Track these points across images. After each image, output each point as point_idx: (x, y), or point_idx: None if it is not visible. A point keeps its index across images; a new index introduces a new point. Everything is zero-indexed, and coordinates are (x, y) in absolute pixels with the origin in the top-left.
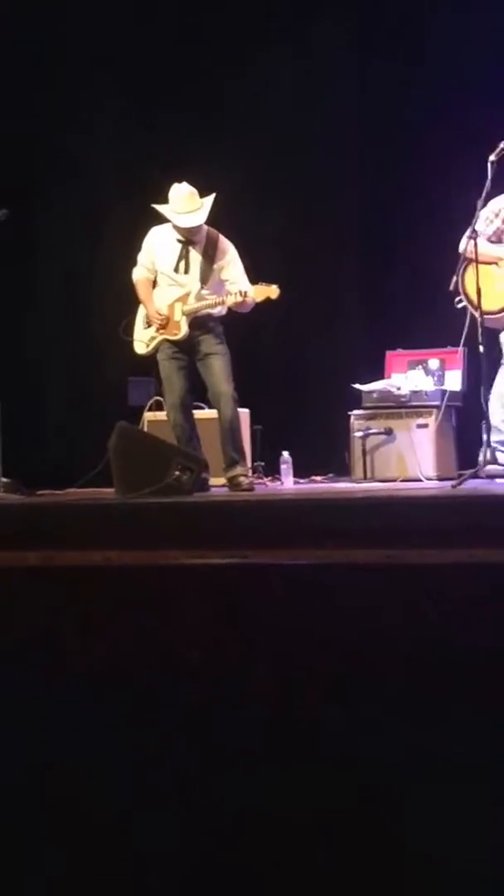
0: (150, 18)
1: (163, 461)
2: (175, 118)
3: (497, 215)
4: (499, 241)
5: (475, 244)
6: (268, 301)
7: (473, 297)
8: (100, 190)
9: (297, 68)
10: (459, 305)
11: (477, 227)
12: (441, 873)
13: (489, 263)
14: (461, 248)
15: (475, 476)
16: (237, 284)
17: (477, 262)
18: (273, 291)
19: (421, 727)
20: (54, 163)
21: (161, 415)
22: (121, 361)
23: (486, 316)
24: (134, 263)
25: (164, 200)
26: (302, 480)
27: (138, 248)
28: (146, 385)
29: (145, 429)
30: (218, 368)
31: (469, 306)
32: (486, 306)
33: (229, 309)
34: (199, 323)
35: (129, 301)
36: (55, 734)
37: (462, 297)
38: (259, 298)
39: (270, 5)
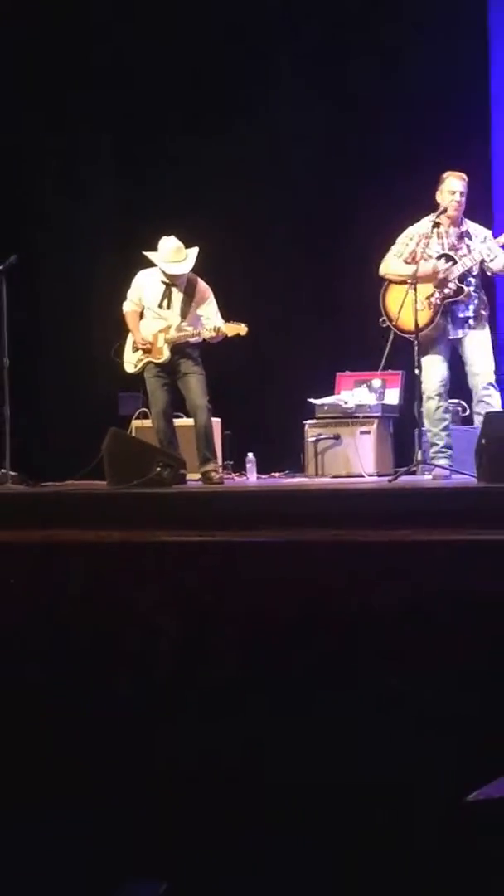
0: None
1: (147, 459)
2: (158, 177)
3: (412, 239)
4: (415, 263)
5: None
6: (237, 337)
7: (392, 315)
8: (96, 238)
9: (260, 132)
10: (384, 325)
11: (394, 250)
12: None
13: (405, 283)
14: (380, 271)
15: (408, 473)
16: (211, 321)
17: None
18: (242, 329)
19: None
20: (58, 213)
21: (147, 422)
22: (113, 378)
23: (402, 333)
24: (124, 298)
25: (151, 247)
26: (264, 476)
27: (128, 286)
28: (134, 398)
29: (133, 433)
30: (195, 385)
31: (389, 324)
32: (402, 325)
33: (204, 339)
34: (178, 349)
35: (118, 329)
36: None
37: (384, 315)
38: (230, 334)
39: (233, 72)
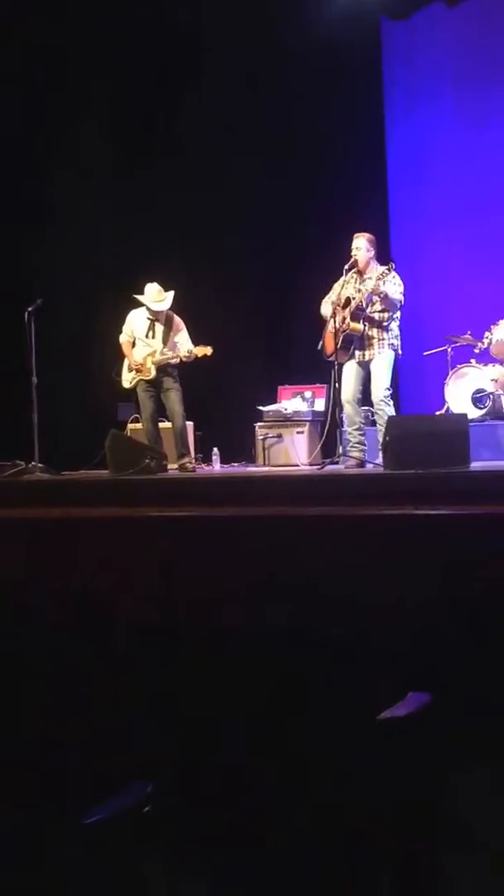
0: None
1: (139, 454)
2: (143, 239)
3: (339, 285)
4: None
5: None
6: (204, 356)
7: (326, 345)
8: (97, 284)
9: (223, 206)
10: (319, 348)
11: (330, 295)
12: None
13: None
14: (321, 311)
15: (332, 462)
16: (185, 346)
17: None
18: (208, 350)
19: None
20: (70, 270)
21: (138, 426)
22: (113, 392)
23: (326, 358)
24: (120, 331)
25: (138, 291)
26: (225, 465)
27: (122, 323)
28: (129, 407)
29: (128, 434)
30: (174, 398)
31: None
32: (327, 351)
33: (181, 360)
34: (162, 369)
35: (116, 355)
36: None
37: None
38: (199, 355)
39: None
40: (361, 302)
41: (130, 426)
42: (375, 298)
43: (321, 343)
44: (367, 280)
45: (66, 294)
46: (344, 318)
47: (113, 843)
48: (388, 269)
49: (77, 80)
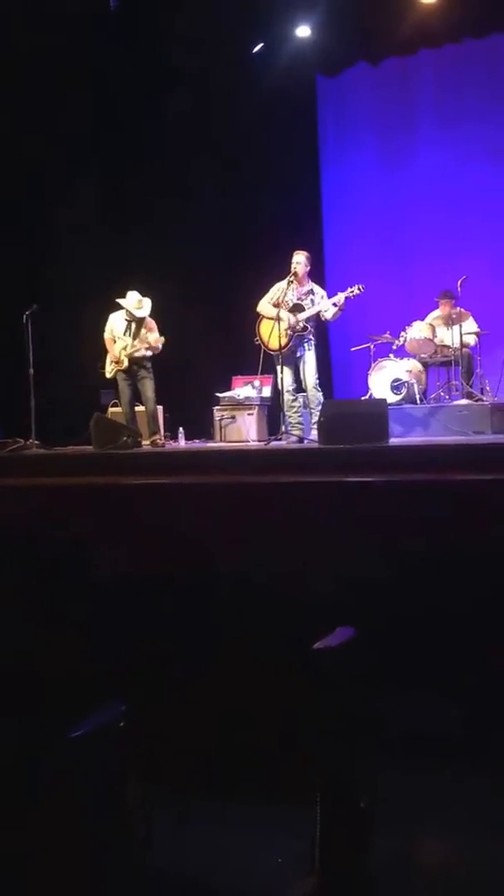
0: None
1: (118, 432)
2: (124, 250)
3: (278, 290)
4: (277, 307)
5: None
6: (163, 343)
7: (264, 339)
8: (84, 291)
9: (183, 227)
10: (257, 343)
11: (267, 296)
12: None
13: (272, 319)
14: (257, 308)
15: (276, 439)
16: (154, 336)
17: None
18: (162, 339)
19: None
20: (62, 278)
21: (117, 409)
22: (97, 381)
23: (270, 351)
24: (104, 331)
25: (122, 295)
26: (189, 441)
27: (104, 324)
28: (109, 393)
29: (109, 416)
30: (147, 385)
31: (261, 343)
32: (270, 346)
33: (150, 350)
34: (136, 361)
35: (99, 350)
36: None
37: (258, 338)
38: (159, 344)
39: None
40: (304, 305)
41: (111, 409)
42: (336, 311)
43: (257, 338)
44: (315, 294)
45: (58, 300)
46: (297, 321)
47: (95, 755)
48: (352, 292)
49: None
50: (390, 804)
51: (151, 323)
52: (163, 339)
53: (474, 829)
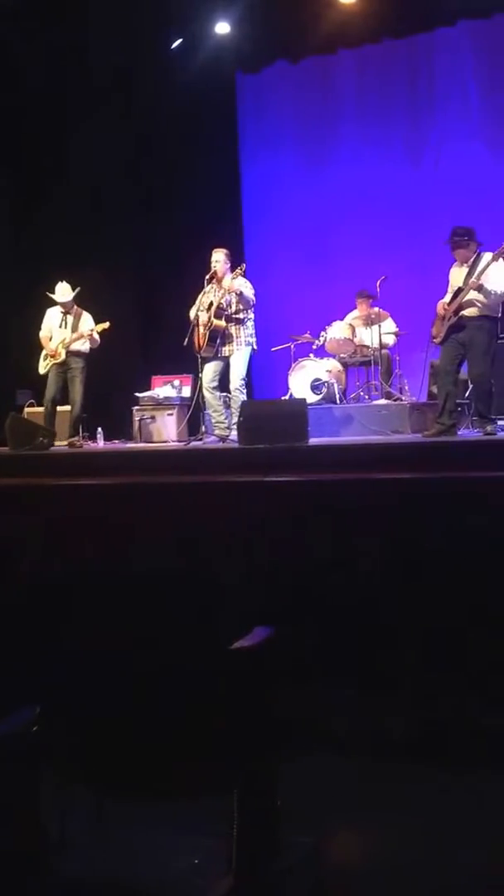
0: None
1: (34, 433)
2: (38, 249)
3: (203, 294)
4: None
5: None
6: (103, 331)
7: (197, 344)
8: (7, 297)
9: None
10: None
11: (196, 303)
12: None
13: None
14: (189, 315)
15: (196, 439)
16: (88, 327)
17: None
18: (106, 324)
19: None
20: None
21: (34, 409)
22: (14, 381)
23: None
24: (40, 327)
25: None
26: (108, 442)
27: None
28: (26, 394)
29: (25, 416)
30: (77, 385)
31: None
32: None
33: (89, 340)
34: (72, 353)
35: (14, 351)
36: None
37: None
38: (99, 329)
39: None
40: (221, 302)
41: (27, 410)
42: (234, 298)
43: (187, 340)
44: (223, 287)
45: None
46: (209, 318)
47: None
48: (240, 271)
49: None
50: (300, 802)
51: (82, 312)
52: (106, 324)
53: (386, 824)
